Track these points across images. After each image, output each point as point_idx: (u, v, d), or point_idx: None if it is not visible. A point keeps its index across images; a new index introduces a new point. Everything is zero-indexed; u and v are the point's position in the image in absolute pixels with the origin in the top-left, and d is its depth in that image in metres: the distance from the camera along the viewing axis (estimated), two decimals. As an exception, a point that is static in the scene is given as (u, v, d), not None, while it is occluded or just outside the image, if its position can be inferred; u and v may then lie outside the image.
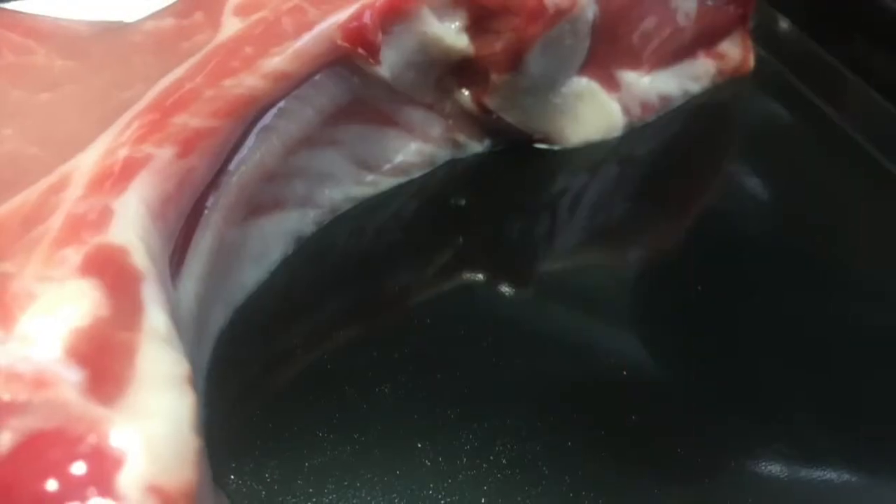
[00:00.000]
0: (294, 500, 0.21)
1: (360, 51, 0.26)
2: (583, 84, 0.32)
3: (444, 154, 0.32)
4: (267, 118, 0.25)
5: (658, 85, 0.35)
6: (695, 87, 0.36)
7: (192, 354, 0.20)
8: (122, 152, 0.21)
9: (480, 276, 0.28)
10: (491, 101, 0.30)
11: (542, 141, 0.33)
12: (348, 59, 0.26)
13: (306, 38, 0.25)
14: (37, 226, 0.19)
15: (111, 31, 0.26)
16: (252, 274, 0.26)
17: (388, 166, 0.30)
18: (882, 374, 0.26)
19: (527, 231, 0.30)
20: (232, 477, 0.22)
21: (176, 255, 0.21)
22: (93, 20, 0.27)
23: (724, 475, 0.23)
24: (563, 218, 0.31)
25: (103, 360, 0.16)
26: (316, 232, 0.28)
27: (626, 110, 0.34)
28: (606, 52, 0.32)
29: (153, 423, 0.15)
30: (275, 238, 0.27)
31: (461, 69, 0.30)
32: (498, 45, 0.29)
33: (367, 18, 0.26)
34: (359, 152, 0.29)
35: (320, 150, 0.28)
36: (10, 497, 0.14)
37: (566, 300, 0.28)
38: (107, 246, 0.18)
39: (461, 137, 0.32)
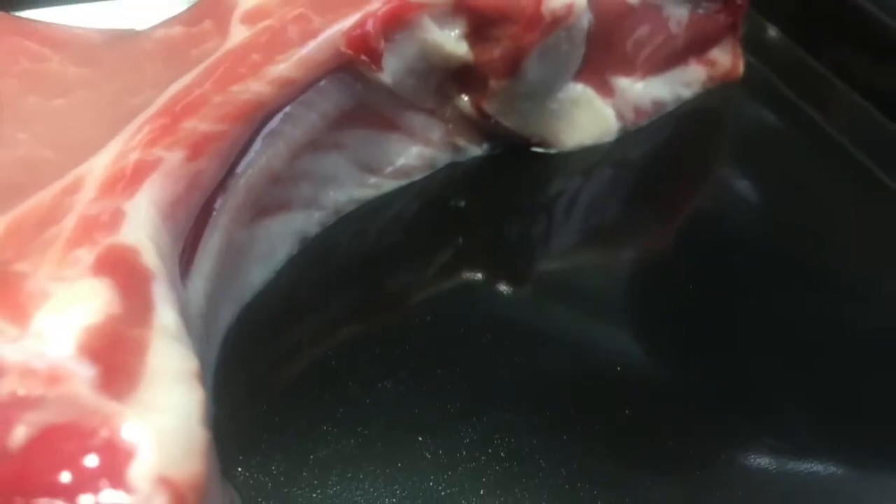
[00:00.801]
0: (299, 491, 0.21)
1: (363, 58, 0.26)
2: (578, 90, 0.32)
3: (444, 157, 0.32)
4: (273, 123, 0.25)
5: (651, 91, 0.35)
6: (686, 93, 0.36)
7: (200, 351, 0.20)
8: (133, 156, 0.21)
9: (479, 276, 0.28)
10: (489, 107, 0.30)
11: (538, 145, 0.33)
12: (352, 65, 0.26)
13: (311, 46, 0.25)
14: (51, 227, 0.19)
15: (123, 39, 0.26)
16: (259, 273, 0.26)
17: (390, 169, 0.30)
18: (869, 372, 0.26)
19: (524, 232, 0.30)
20: (239, 469, 0.22)
21: (185, 255, 0.22)
22: (105, 28, 0.27)
23: (716, 468, 0.23)
24: (560, 219, 0.31)
25: (115, 357, 0.16)
26: (320, 233, 0.28)
27: (619, 115, 0.34)
28: (601, 58, 0.32)
29: (163, 418, 0.15)
30: (281, 239, 0.27)
31: (461, 75, 0.30)
32: (496, 52, 0.29)
33: (369, 26, 0.26)
34: (362, 156, 0.29)
35: (325, 153, 0.28)
36: (25, 488, 0.14)
37: (563, 299, 0.28)
38: (118, 246, 0.18)
39: (461, 141, 0.32)
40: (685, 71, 0.36)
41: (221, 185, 0.23)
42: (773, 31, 0.41)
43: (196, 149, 0.22)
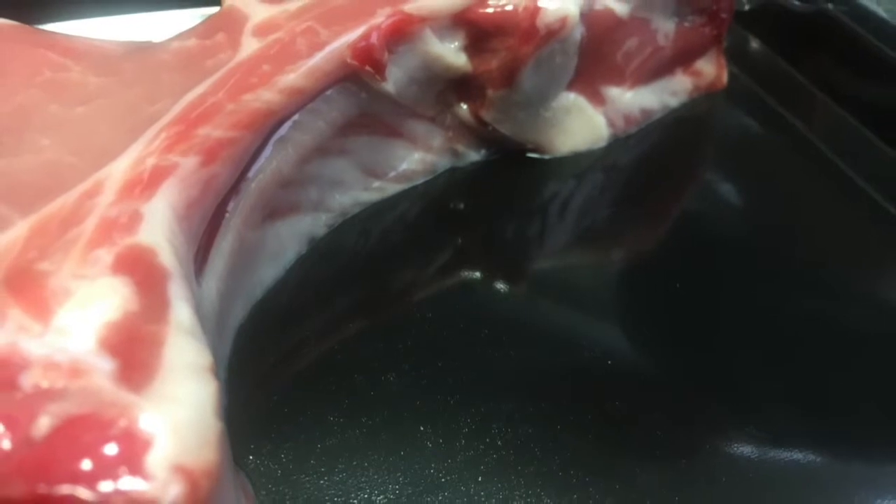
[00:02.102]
0: (307, 478, 0.21)
1: (368, 68, 0.26)
2: (571, 98, 0.32)
3: (444, 162, 0.32)
4: (283, 130, 0.25)
5: (640, 99, 0.35)
6: (673, 102, 0.36)
7: (214, 346, 0.20)
8: (151, 161, 0.21)
9: (478, 274, 0.28)
10: (487, 115, 0.30)
11: (533, 150, 0.33)
12: (357, 76, 0.26)
13: (318, 57, 0.25)
14: (73, 228, 0.19)
15: (140, 50, 0.26)
16: (269, 272, 0.26)
17: (393, 174, 0.30)
18: (845, 363, 0.26)
19: (520, 232, 0.30)
20: (251, 457, 0.22)
21: (200, 255, 0.21)
22: (123, 40, 0.27)
23: (700, 455, 0.23)
24: (553, 221, 0.31)
25: (133, 351, 0.16)
26: (327, 233, 0.28)
27: (610, 123, 0.34)
28: (593, 69, 0.32)
29: (179, 409, 0.15)
30: (290, 239, 0.27)
31: (460, 85, 0.30)
32: (494, 63, 0.29)
33: (374, 39, 0.26)
34: (366, 161, 0.29)
35: (331, 158, 0.28)
36: (48, 475, 0.14)
37: (556, 296, 0.28)
38: (136, 246, 0.18)
39: (460, 147, 0.32)
40: (672, 81, 0.36)
41: (234, 189, 0.23)
42: (755, 44, 0.41)
43: (210, 154, 0.22)
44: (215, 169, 0.22)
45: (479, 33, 0.28)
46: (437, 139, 0.31)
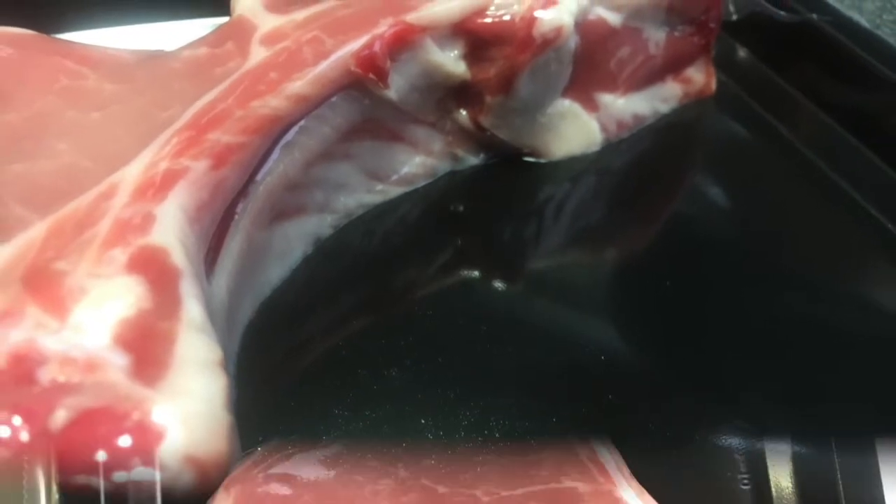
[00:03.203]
0: (313, 469, 0.21)
1: (371, 76, 0.26)
2: (566, 105, 0.32)
3: (444, 166, 0.32)
4: (289, 135, 0.25)
5: (632, 106, 0.35)
6: (664, 108, 0.36)
7: (223, 342, 0.20)
8: (163, 165, 0.21)
9: (476, 273, 0.28)
10: (485, 120, 0.30)
11: (530, 154, 0.33)
12: (360, 83, 0.26)
13: (324, 65, 0.25)
14: (88, 229, 0.19)
15: (153, 59, 0.26)
16: (276, 271, 0.26)
17: (395, 177, 0.30)
18: (826, 360, 0.26)
19: (517, 233, 0.30)
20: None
21: (210, 255, 0.22)
22: (137, 49, 0.27)
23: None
24: (549, 222, 0.31)
25: (146, 347, 0.16)
26: (332, 234, 0.28)
27: (603, 128, 0.34)
28: (586, 76, 0.32)
29: (190, 402, 0.15)
30: (296, 239, 0.27)
31: (459, 92, 0.30)
32: (492, 71, 0.29)
33: (377, 48, 0.26)
34: (370, 165, 0.29)
35: (336, 162, 0.28)
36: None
37: (552, 295, 0.28)
38: (149, 247, 0.18)
39: (459, 151, 0.32)
40: (663, 88, 0.36)
41: (243, 192, 0.23)
42: (742, 52, 0.41)
43: (220, 158, 0.22)
44: (225, 172, 0.22)
45: (477, 42, 0.28)
46: (438, 144, 0.31)
